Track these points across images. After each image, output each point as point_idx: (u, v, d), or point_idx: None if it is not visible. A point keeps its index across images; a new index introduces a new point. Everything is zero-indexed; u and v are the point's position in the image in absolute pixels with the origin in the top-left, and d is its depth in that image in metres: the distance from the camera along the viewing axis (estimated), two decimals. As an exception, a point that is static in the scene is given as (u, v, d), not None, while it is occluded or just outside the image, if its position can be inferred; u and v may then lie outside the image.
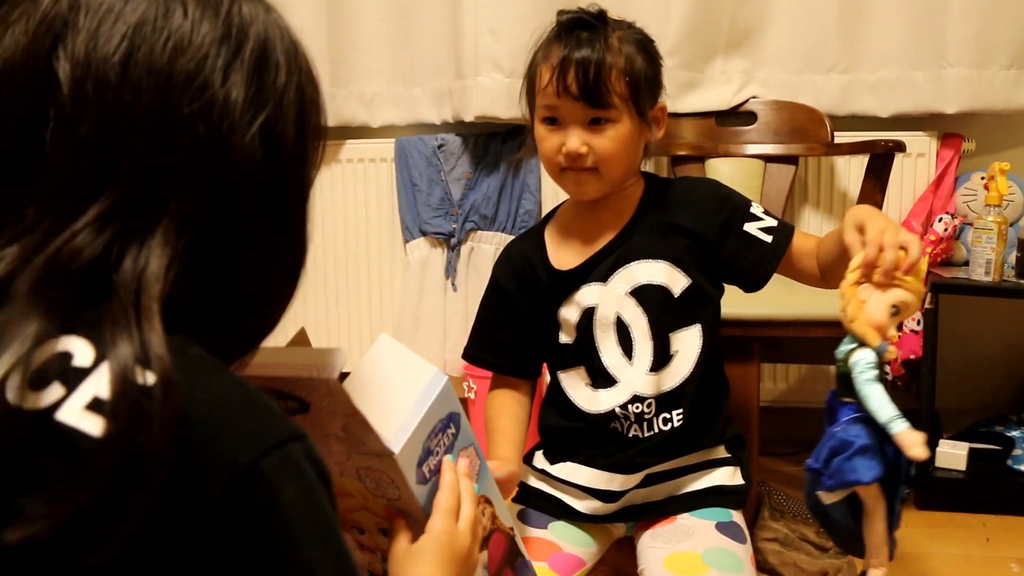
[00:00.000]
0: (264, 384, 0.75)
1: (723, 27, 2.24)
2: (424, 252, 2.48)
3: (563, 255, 1.31)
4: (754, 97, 2.26)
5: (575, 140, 1.21)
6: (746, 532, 1.27)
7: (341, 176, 2.55)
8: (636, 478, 1.26)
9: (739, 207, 1.29)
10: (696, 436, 1.27)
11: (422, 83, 2.47)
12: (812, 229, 2.31)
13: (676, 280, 1.25)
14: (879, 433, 0.93)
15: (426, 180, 2.45)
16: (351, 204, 2.55)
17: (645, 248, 1.26)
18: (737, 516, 1.29)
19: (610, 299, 1.26)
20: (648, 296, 1.25)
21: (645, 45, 1.25)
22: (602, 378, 1.27)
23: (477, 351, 1.39)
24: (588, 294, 1.27)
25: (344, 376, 0.78)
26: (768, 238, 1.26)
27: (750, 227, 1.27)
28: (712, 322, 1.28)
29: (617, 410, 1.25)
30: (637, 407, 1.24)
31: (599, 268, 1.27)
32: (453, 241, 2.45)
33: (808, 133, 2.18)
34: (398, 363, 0.83)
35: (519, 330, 1.33)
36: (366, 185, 2.54)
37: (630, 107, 1.21)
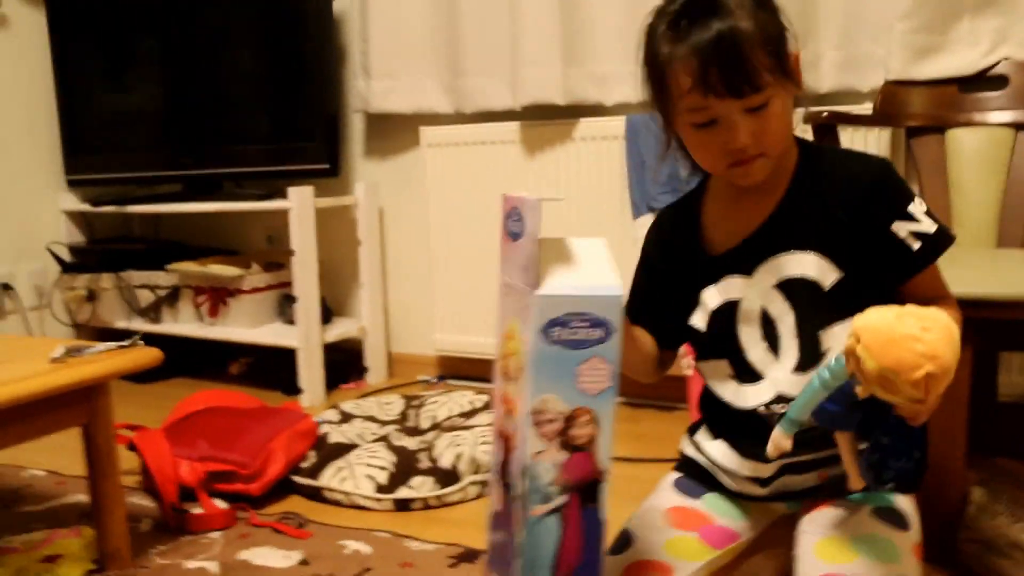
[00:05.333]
0: (509, 205, 0.97)
1: (974, -17, 2.04)
2: (651, 229, 2.48)
3: (714, 236, 1.25)
4: (1006, 59, 2.04)
5: (744, 135, 1.11)
6: (911, 519, 1.19)
7: (576, 154, 2.61)
8: (772, 467, 1.22)
9: (896, 199, 1.15)
10: None
11: (654, 60, 2.46)
12: (1081, 207, 2.06)
13: (826, 273, 1.16)
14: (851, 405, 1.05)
15: (654, 157, 2.45)
16: (584, 181, 2.61)
17: (795, 237, 1.18)
18: (903, 500, 1.20)
19: (755, 293, 1.20)
20: (796, 291, 1.18)
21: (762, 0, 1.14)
22: (748, 373, 1.22)
23: (630, 313, 1.29)
24: (732, 286, 1.22)
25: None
26: (915, 244, 1.14)
27: (899, 227, 1.14)
28: None
29: (761, 409, 1.20)
30: (782, 407, 1.17)
31: (746, 258, 1.21)
32: (679, 218, 2.43)
33: (1076, 98, 1.95)
34: (598, 259, 0.99)
35: (665, 300, 1.29)
36: (599, 163, 2.59)
37: (778, 76, 1.11)
